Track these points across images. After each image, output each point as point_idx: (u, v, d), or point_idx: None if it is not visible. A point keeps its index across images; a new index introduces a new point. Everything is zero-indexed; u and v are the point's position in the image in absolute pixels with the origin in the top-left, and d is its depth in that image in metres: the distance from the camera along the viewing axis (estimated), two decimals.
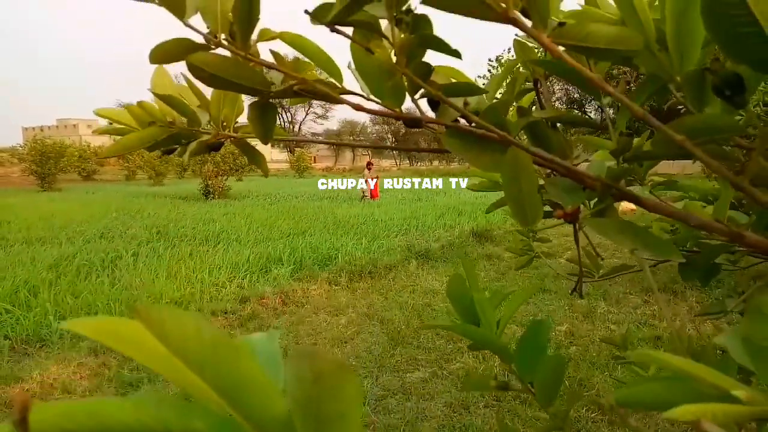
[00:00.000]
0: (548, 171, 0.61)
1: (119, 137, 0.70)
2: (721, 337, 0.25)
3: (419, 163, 65.44)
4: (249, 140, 0.72)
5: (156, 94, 0.65)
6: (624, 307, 5.59)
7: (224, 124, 0.72)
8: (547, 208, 0.70)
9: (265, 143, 0.64)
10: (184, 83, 0.68)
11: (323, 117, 75.82)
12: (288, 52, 0.63)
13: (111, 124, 0.75)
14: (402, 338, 4.83)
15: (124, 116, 0.70)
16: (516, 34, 0.66)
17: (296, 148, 51.96)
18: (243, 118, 0.69)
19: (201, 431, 0.20)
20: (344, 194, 19.86)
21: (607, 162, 0.62)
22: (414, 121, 0.56)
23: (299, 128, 74.29)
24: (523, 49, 0.68)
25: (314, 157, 63.28)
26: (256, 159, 0.73)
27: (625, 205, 0.76)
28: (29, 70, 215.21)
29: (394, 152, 72.62)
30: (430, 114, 0.59)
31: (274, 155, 73.24)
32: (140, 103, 0.68)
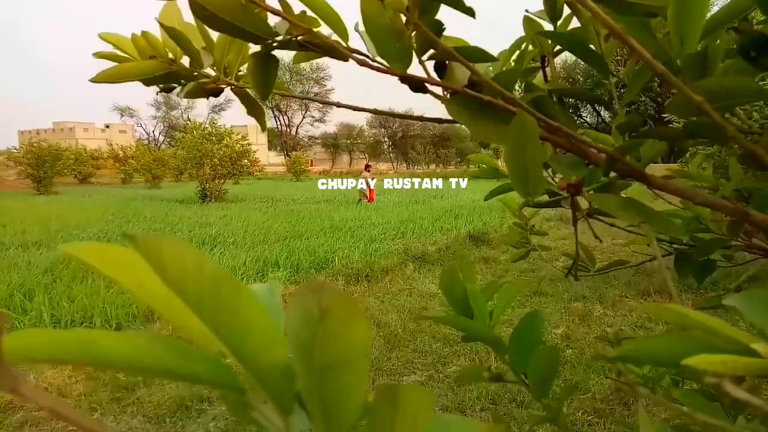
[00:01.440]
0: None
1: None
2: (731, 298, 0.25)
3: (416, 167, 65.43)
4: (249, 90, 0.70)
5: (162, 25, 0.63)
6: (620, 310, 5.58)
7: (227, 70, 0.69)
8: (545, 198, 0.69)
9: (264, 98, 0.62)
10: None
11: (320, 120, 75.86)
12: (295, 9, 0.60)
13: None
14: (398, 341, 4.81)
15: (128, 45, 0.68)
16: (526, 10, 0.65)
17: (293, 152, 51.96)
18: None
19: (196, 372, 0.19)
20: (341, 197, 19.84)
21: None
22: (418, 84, 0.55)
23: (296, 131, 74.26)
24: (532, 26, 0.67)
25: (311, 161, 63.25)
26: (255, 110, 0.71)
27: None
28: (26, 73, 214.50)
29: (391, 155, 72.52)
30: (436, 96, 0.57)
31: (271, 158, 73.21)
32: (144, 33, 0.65)
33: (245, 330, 0.19)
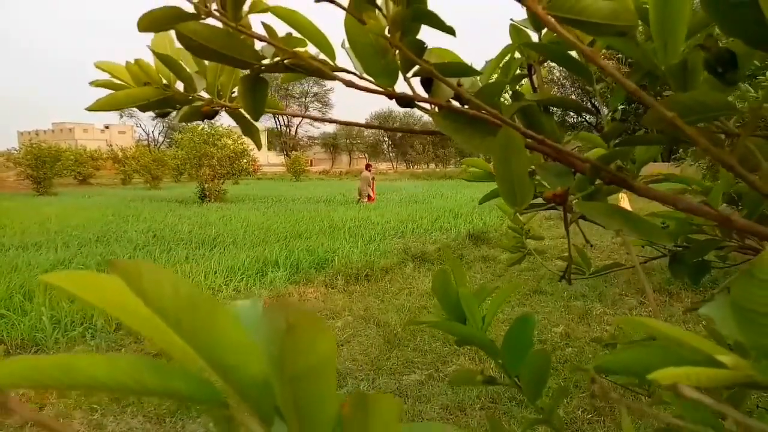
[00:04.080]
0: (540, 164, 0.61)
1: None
2: (707, 307, 0.25)
3: (415, 166, 65.49)
4: (243, 111, 0.71)
5: (155, 53, 0.64)
6: (620, 309, 5.58)
7: (220, 92, 0.71)
8: (539, 200, 0.70)
9: (255, 119, 0.63)
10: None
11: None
12: (280, 30, 0.62)
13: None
14: (398, 341, 4.82)
15: (122, 73, 0.69)
16: (511, 19, 0.66)
17: (292, 152, 51.95)
18: None
19: (179, 390, 0.19)
20: (341, 197, 19.85)
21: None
22: (406, 100, 0.56)
23: (295, 131, 74.24)
24: (518, 34, 0.67)
25: (311, 161, 63.25)
26: (249, 130, 0.72)
27: None
28: (25, 73, 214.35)
29: (391, 155, 72.59)
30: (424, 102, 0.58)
31: (270, 158, 73.19)
32: (138, 61, 0.67)
33: (223, 346, 0.20)
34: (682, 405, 0.50)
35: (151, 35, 0.73)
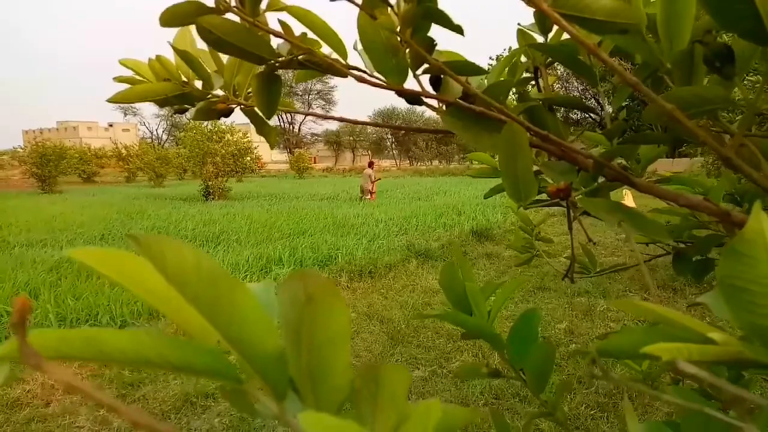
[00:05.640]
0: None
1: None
2: (704, 296, 0.26)
3: (419, 163, 65.46)
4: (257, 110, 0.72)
5: (175, 49, 0.66)
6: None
7: (236, 91, 0.72)
8: (544, 196, 0.71)
9: (269, 117, 0.64)
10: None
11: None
12: (296, 30, 0.63)
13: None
14: (402, 337, 4.83)
15: (145, 69, 0.71)
16: (519, 23, 0.67)
17: (296, 149, 51.97)
18: None
19: (197, 365, 0.20)
20: (344, 194, 19.87)
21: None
22: (414, 97, 0.57)
23: (299, 129, 74.27)
24: (525, 37, 0.69)
25: (314, 158, 63.27)
26: (264, 129, 0.73)
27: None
28: (29, 72, 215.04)
29: (394, 152, 72.58)
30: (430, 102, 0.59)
31: (274, 156, 73.27)
32: (159, 57, 0.68)
33: (241, 321, 0.21)
34: (683, 394, 0.50)
35: (157, 36, 0.74)
